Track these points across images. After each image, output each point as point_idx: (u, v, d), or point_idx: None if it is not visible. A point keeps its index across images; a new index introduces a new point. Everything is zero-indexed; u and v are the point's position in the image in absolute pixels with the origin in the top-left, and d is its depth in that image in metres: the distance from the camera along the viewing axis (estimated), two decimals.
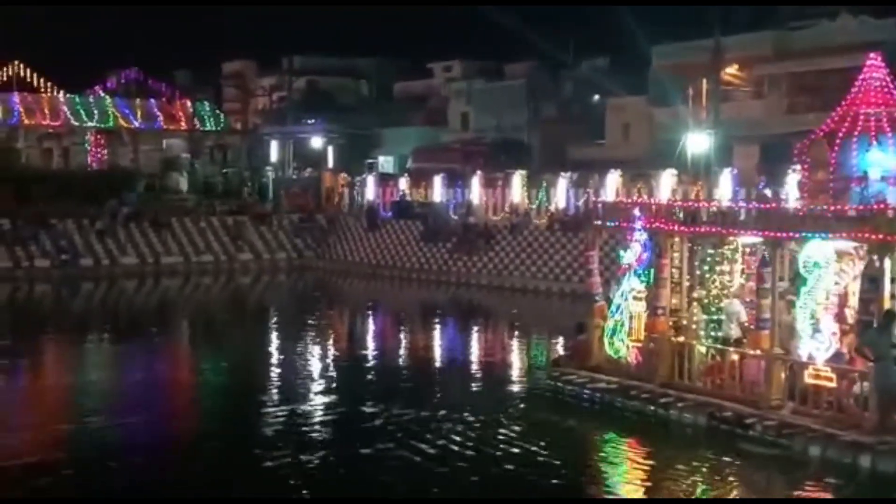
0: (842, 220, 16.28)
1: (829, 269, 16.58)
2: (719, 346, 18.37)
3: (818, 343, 16.54)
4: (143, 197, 51.44)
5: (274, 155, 70.23)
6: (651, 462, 16.32)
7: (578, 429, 18.64)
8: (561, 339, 28.82)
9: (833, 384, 16.17)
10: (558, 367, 21.45)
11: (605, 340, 20.14)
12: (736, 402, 17.27)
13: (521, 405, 20.58)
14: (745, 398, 17.26)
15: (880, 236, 15.65)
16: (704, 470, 15.78)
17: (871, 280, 16.04)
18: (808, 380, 16.51)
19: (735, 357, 17.85)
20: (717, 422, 17.07)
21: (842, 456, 15.25)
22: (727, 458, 16.02)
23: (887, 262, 15.77)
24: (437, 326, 33.33)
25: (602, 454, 17.37)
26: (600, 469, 16.54)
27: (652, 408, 18.23)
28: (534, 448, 16.70)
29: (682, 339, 18.72)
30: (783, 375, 16.94)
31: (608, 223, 20.79)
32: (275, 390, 22.13)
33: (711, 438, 16.90)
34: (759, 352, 17.28)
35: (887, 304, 15.82)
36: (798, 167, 28.66)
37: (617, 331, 19.91)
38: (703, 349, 18.49)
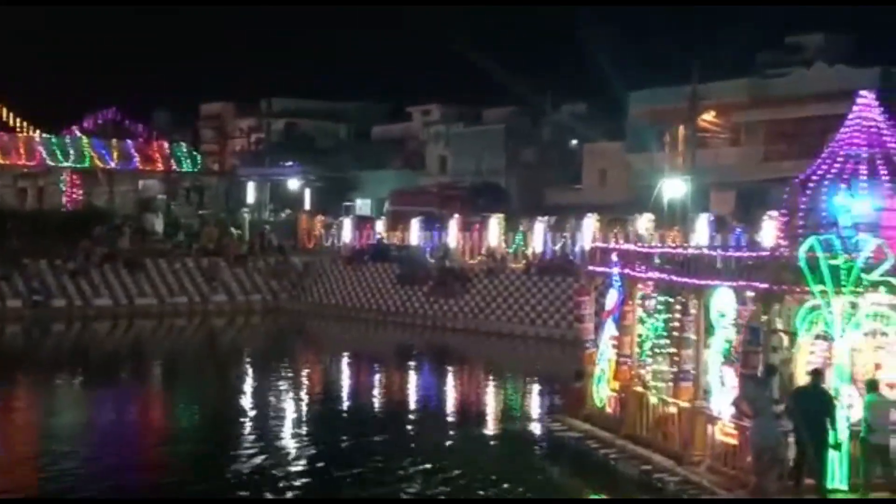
0: (738, 268, 15.71)
1: (731, 318, 15.71)
2: (663, 398, 17.59)
3: (725, 397, 15.72)
4: (110, 234, 50.67)
5: (251, 196, 70.02)
6: None
7: (532, 474, 18.25)
8: (537, 385, 28.72)
9: (735, 441, 15.39)
10: (553, 414, 21.27)
11: (594, 388, 19.69)
12: (668, 456, 16.67)
13: (495, 453, 20.43)
14: (678, 452, 16.61)
15: (765, 286, 14.95)
16: None
17: (753, 331, 15.18)
18: (718, 436, 15.84)
19: (674, 410, 17.16)
20: (644, 475, 16.55)
21: None
22: None
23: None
24: (414, 371, 33.03)
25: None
26: None
27: (606, 458, 17.78)
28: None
29: (640, 389, 18.20)
30: (707, 430, 16.12)
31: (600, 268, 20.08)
32: (247, 435, 21.74)
33: (636, 492, 16.39)
34: (683, 404, 16.71)
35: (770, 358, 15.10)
36: (775, 213, 28.81)
37: (601, 379, 19.52)
38: (655, 400, 17.82)
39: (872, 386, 14.94)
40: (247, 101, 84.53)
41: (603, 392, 19.38)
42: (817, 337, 15.22)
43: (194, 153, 66.80)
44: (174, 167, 62.19)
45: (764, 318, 15.14)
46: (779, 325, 15.42)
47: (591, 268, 20.72)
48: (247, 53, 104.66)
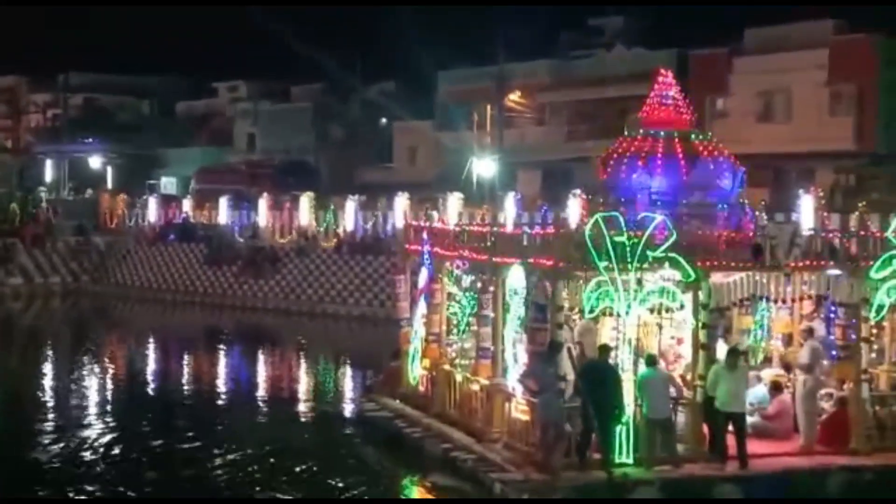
0: (530, 246, 15.96)
1: (523, 295, 15.86)
2: (467, 376, 17.65)
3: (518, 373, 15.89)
4: None
5: (49, 175, 67.23)
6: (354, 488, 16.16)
7: (343, 455, 18.19)
8: (350, 365, 28.66)
9: (528, 417, 15.55)
10: (368, 394, 21.14)
11: (408, 367, 19.61)
12: (471, 434, 16.73)
13: (307, 435, 20.31)
14: (480, 429, 16.67)
15: (550, 262, 15.14)
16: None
17: (539, 308, 15.36)
18: (514, 412, 16.00)
19: (476, 387, 17.21)
20: (446, 454, 16.58)
21: (511, 493, 14.54)
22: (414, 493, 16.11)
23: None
24: (223, 353, 32.39)
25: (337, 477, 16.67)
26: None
27: (413, 437, 17.80)
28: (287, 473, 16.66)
29: (448, 367, 18.26)
30: (504, 407, 16.23)
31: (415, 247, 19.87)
32: (47, 423, 20.84)
33: (436, 469, 16.37)
34: (483, 382, 16.81)
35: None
36: (578, 191, 29.56)
37: (415, 357, 19.44)
38: (461, 378, 17.87)
39: (651, 361, 15.27)
40: (42, 74, 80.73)
41: (416, 371, 19.40)
42: (605, 313, 15.32)
43: None
44: None
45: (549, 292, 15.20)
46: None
47: (405, 246, 20.68)
48: (41, 24, 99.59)
